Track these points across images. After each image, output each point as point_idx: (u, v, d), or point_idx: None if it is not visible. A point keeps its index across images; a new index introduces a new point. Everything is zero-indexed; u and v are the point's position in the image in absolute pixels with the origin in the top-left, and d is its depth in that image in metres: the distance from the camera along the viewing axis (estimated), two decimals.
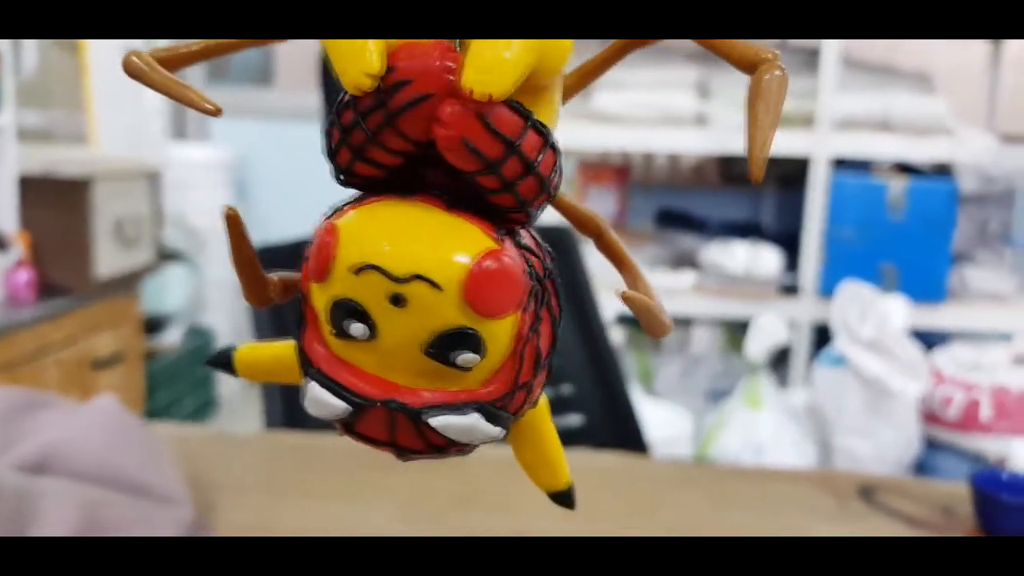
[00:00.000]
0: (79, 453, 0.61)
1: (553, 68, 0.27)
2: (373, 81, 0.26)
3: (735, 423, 1.90)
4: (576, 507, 0.33)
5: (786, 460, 1.83)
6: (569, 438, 1.07)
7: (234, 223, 0.30)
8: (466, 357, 0.27)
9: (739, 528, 0.68)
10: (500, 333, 0.27)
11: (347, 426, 0.29)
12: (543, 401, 0.31)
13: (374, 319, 0.27)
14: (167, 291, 2.57)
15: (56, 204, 1.90)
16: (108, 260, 1.96)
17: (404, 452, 0.29)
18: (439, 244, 0.27)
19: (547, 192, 0.27)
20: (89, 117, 2.31)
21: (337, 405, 0.28)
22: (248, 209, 3.07)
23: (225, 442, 0.93)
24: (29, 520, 0.53)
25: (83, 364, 1.91)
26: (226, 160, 2.89)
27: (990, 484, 0.73)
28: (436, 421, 0.28)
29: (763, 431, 1.86)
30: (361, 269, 0.26)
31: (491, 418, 0.28)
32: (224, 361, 0.34)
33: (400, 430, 0.28)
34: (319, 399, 0.28)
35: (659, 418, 1.86)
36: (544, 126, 0.26)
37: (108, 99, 2.35)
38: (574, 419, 1.06)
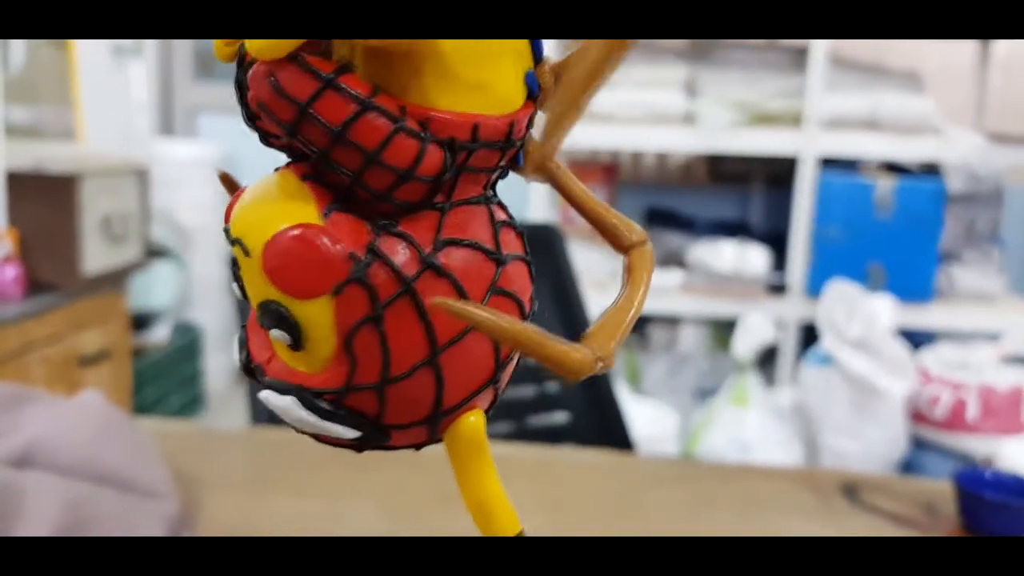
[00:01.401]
0: (64, 448, 0.61)
1: None
2: (226, 48, 0.26)
3: (722, 421, 1.90)
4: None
5: (773, 459, 1.84)
6: (554, 435, 1.07)
7: (227, 182, 0.30)
8: (274, 333, 0.26)
9: (721, 525, 0.69)
10: (313, 318, 0.25)
11: None
12: (468, 434, 0.28)
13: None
14: (154, 288, 2.56)
15: (44, 200, 1.89)
16: (96, 257, 1.95)
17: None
18: (262, 211, 0.25)
19: (387, 168, 0.24)
20: (77, 113, 2.30)
21: (234, 359, 0.28)
22: None
23: (210, 438, 0.92)
24: (13, 515, 0.53)
25: (70, 361, 1.90)
26: (213, 156, 2.88)
27: (973, 482, 0.73)
28: (261, 394, 0.26)
29: (750, 429, 1.87)
30: (225, 228, 0.27)
31: (312, 408, 0.26)
32: None
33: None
34: (233, 351, 0.29)
35: (646, 416, 1.87)
36: (352, 91, 0.24)
37: (95, 95, 2.34)
38: (559, 416, 1.06)
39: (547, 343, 0.25)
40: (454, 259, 0.25)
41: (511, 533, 0.28)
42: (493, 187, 0.29)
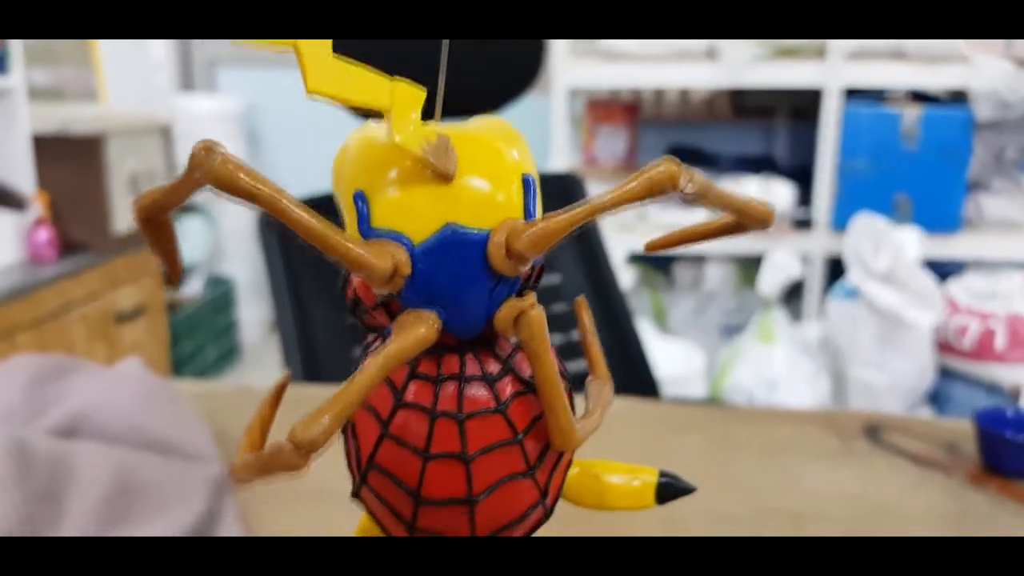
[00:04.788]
0: (109, 416, 0.63)
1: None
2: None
3: (749, 358, 1.92)
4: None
5: (800, 394, 1.85)
6: (579, 382, 1.09)
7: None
8: None
9: (742, 471, 0.70)
10: None
11: None
12: None
13: None
14: (186, 243, 2.58)
15: (71, 162, 1.91)
16: (125, 215, 1.98)
17: None
18: None
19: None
20: (98, 74, 2.31)
21: None
22: (260, 158, 3.07)
23: (249, 397, 0.95)
24: (64, 483, 0.56)
25: (107, 318, 1.95)
26: (235, 110, 2.88)
27: (994, 422, 0.74)
28: None
29: (776, 365, 1.88)
30: None
31: None
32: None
33: None
34: None
35: (673, 355, 1.89)
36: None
37: (115, 55, 2.35)
38: (584, 364, 1.08)
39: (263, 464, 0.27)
40: None
41: None
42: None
